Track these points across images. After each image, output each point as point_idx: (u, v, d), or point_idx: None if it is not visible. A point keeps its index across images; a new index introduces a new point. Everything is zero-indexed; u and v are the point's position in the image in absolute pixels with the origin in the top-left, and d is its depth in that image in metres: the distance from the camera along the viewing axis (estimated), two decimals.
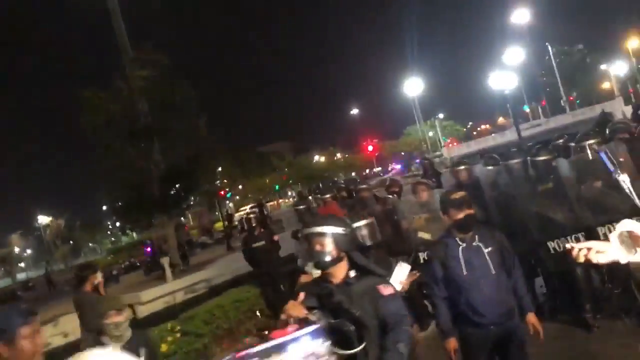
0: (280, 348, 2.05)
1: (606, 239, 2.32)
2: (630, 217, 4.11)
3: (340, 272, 2.85)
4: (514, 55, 42.64)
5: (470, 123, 67.39)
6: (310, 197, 12.25)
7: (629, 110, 15.38)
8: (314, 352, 2.07)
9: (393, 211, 7.48)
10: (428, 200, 7.11)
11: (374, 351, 2.68)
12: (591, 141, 5.26)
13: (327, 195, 8.60)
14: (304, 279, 3.24)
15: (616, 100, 33.98)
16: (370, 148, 42.04)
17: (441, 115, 51.09)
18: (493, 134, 29.91)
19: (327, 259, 2.78)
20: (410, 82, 45.19)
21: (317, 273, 3.16)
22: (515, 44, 42.65)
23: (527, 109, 52.26)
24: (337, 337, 2.54)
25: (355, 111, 52.22)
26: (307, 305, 2.71)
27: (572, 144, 5.60)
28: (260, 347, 2.05)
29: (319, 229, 2.86)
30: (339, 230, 2.91)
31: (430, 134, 46.57)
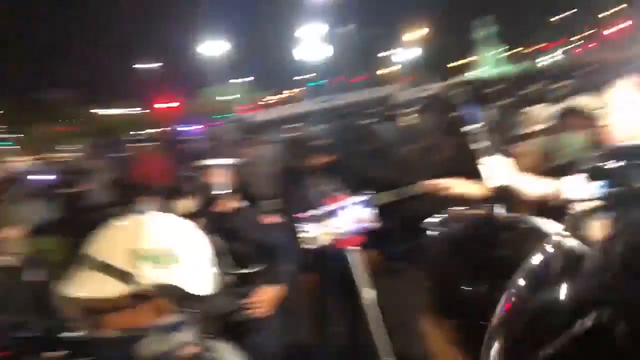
0: (331, 214, 2.24)
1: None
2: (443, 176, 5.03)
3: (234, 201, 3.08)
4: (315, 29, 44.57)
5: (269, 91, 68.62)
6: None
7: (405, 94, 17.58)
8: (360, 218, 2.30)
9: None
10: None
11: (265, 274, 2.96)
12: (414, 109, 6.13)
13: (149, 144, 8.49)
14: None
15: (398, 84, 37.45)
16: (169, 105, 40.81)
17: (243, 80, 51.56)
18: (289, 104, 31.36)
19: (228, 188, 2.99)
20: (212, 42, 44.64)
21: (190, 207, 3.32)
22: (316, 19, 44.48)
23: (321, 84, 55.29)
24: (235, 259, 2.79)
25: (153, 67, 50.06)
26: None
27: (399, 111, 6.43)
28: (314, 212, 2.23)
29: (220, 161, 3.05)
30: (235, 162, 3.14)
31: (229, 97, 46.70)
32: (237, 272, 2.79)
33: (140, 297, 1.20)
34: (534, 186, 2.62)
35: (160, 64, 48.24)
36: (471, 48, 44.88)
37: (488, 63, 42.92)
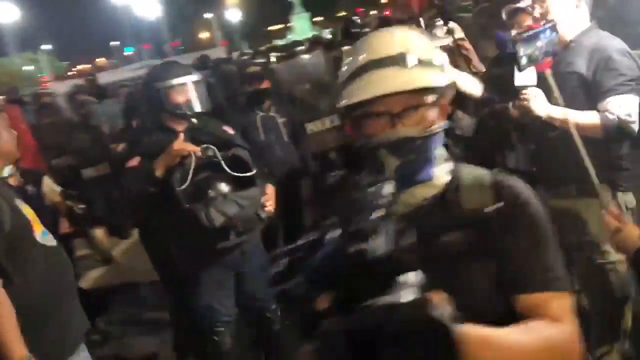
0: (535, 37, 2.27)
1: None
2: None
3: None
4: None
5: (67, 63, 63.38)
6: None
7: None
8: (549, 42, 2.34)
9: (88, 115, 7.20)
10: None
11: None
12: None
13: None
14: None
15: (218, 48, 36.92)
16: None
17: (47, 48, 46.85)
18: (122, 67, 29.81)
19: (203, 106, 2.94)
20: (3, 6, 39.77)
21: None
22: None
23: (131, 51, 52.49)
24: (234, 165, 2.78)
25: None
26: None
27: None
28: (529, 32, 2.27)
29: (188, 78, 2.96)
30: (200, 77, 3.06)
31: (30, 68, 42.23)
32: (242, 175, 2.78)
33: (441, 96, 1.21)
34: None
35: None
36: (287, 12, 45.75)
37: (303, 27, 44.17)
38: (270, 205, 2.87)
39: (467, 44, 3.56)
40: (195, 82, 2.98)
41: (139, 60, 45.60)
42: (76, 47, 50.63)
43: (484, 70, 3.54)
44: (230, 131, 3.07)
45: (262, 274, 3.05)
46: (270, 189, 2.92)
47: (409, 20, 5.56)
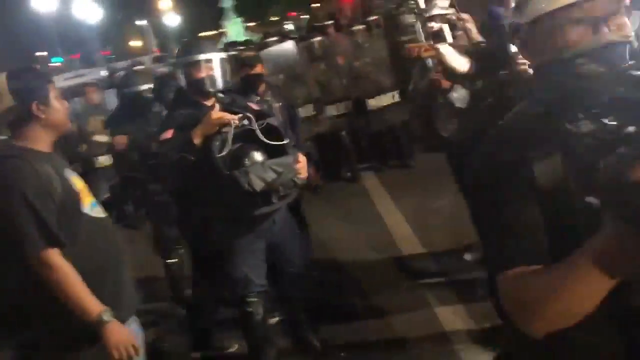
0: None
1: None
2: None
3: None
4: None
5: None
6: None
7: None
8: None
9: None
10: (100, 103, 7.00)
11: None
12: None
13: None
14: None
15: (150, 55, 36.14)
16: None
17: None
18: (54, 77, 28.74)
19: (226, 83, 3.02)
20: None
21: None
22: None
23: (59, 62, 50.67)
24: (267, 135, 2.87)
25: None
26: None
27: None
28: None
29: (212, 54, 3.03)
30: (224, 55, 3.13)
31: None
32: (277, 143, 2.86)
33: None
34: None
35: None
36: (220, 18, 45.45)
37: (237, 32, 43.98)
38: (303, 172, 2.96)
39: (466, 15, 3.66)
40: (220, 59, 3.06)
41: (68, 70, 43.81)
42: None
43: (481, 40, 3.69)
44: (255, 106, 3.14)
45: (292, 244, 3.14)
46: (302, 157, 3.01)
47: None
